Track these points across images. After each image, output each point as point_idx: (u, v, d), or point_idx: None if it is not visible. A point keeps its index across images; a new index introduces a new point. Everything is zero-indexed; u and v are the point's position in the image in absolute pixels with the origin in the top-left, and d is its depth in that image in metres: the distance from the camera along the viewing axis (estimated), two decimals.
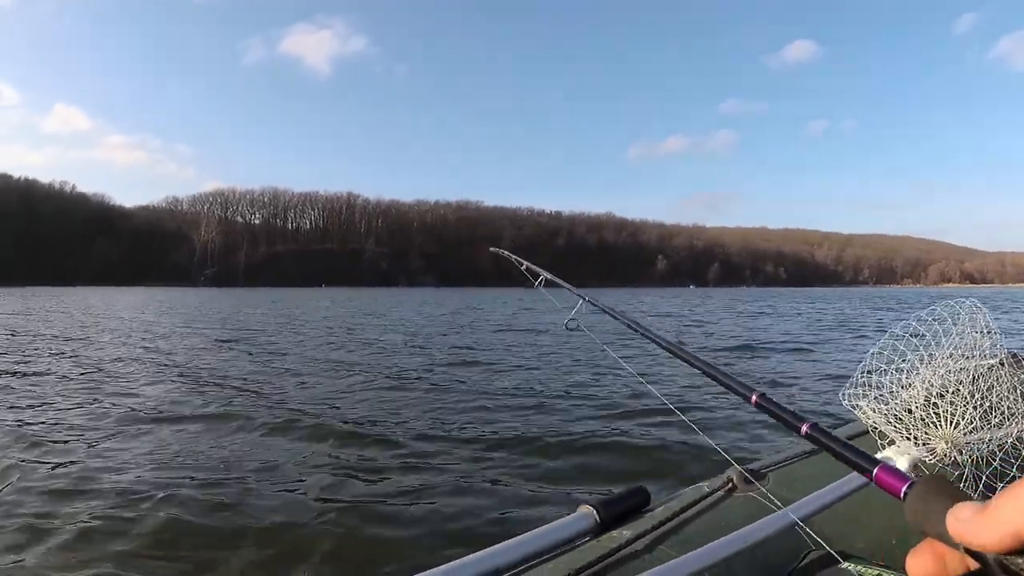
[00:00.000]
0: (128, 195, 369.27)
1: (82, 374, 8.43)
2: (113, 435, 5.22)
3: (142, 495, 3.68)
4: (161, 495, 3.66)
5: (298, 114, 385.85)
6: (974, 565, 0.38)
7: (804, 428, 0.74)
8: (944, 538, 0.40)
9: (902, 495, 0.49)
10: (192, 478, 4.07)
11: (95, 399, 6.72)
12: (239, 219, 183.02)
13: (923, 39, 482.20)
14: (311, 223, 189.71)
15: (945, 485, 0.43)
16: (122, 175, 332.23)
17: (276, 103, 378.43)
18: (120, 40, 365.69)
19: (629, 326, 1.46)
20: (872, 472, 0.57)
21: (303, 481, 4.07)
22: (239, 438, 5.18)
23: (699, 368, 1.05)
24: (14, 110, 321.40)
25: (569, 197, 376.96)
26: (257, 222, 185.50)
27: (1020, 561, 0.35)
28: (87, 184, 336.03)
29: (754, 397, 0.85)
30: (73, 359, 10.04)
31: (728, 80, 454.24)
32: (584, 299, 1.79)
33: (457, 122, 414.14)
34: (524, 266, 2.39)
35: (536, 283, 2.24)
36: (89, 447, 4.84)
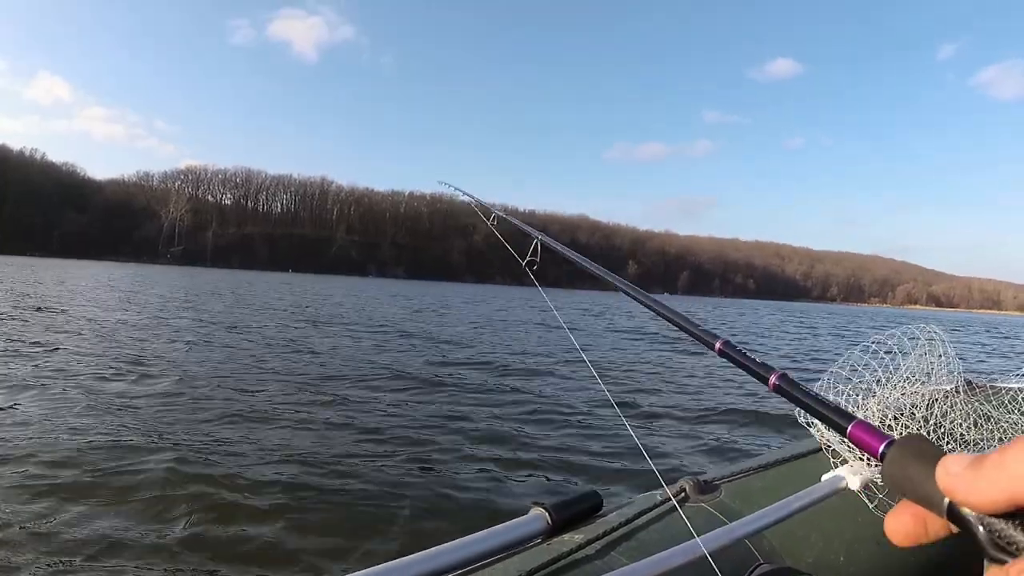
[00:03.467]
0: (104, 169, 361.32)
1: None
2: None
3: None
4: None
5: (280, 97, 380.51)
6: (956, 529, 0.36)
7: (772, 379, 0.68)
8: (926, 499, 0.37)
9: (879, 454, 0.46)
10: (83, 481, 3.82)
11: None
12: (210, 198, 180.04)
13: (905, 65, 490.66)
14: (282, 206, 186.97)
15: (927, 443, 0.40)
16: (99, 148, 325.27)
17: (259, 85, 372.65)
18: (108, 12, 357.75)
19: (583, 266, 1.42)
20: (847, 428, 0.53)
21: (245, 478, 3.94)
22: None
23: (659, 313, 1.02)
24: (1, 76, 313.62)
25: (543, 196, 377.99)
26: (228, 202, 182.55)
27: (1005, 528, 0.33)
28: (63, 154, 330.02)
29: (718, 344, 0.80)
30: None
31: (709, 91, 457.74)
32: (539, 237, 1.71)
33: (436, 117, 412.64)
34: (474, 201, 2.31)
35: (488, 221, 2.13)
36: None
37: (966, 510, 0.35)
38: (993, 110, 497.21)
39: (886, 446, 0.46)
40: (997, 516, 0.33)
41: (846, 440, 0.74)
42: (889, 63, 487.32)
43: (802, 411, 0.98)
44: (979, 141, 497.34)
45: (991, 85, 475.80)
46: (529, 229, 1.79)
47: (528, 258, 1.70)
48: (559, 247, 1.60)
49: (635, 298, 1.11)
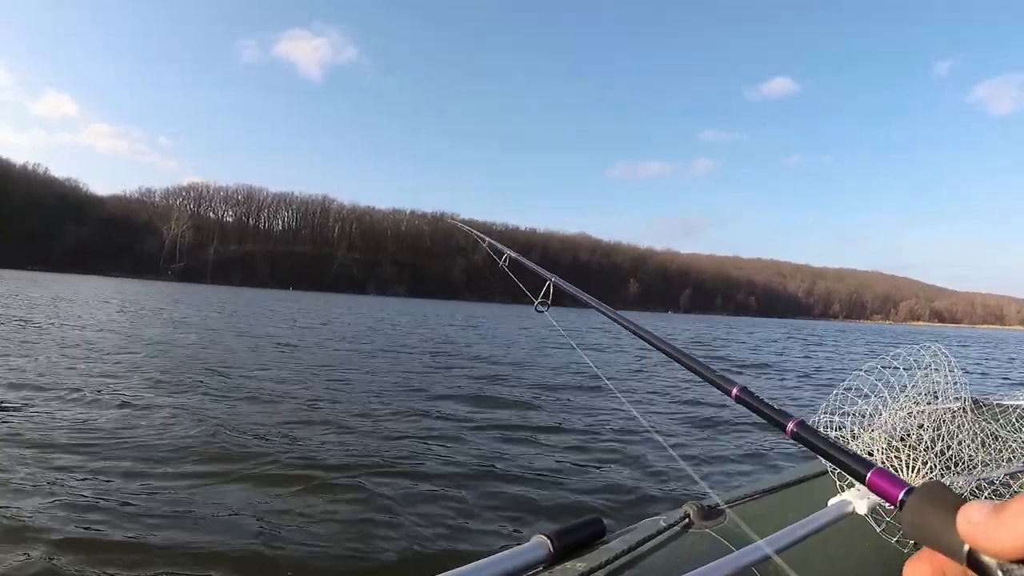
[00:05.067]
0: (107, 183, 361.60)
1: None
2: None
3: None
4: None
5: (284, 116, 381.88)
6: None
7: (790, 426, 0.68)
8: (946, 548, 0.38)
9: (899, 501, 0.46)
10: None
11: None
12: (211, 215, 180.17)
13: (901, 82, 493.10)
14: (283, 224, 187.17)
15: (948, 491, 0.41)
16: (102, 163, 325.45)
17: (264, 104, 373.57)
18: (118, 31, 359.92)
19: (598, 310, 1.40)
20: (866, 475, 0.53)
21: (251, 503, 3.97)
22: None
23: (676, 359, 1.01)
24: (5, 91, 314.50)
25: (544, 214, 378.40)
26: (229, 219, 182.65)
27: None
28: (67, 169, 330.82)
29: (735, 391, 0.81)
30: None
31: (708, 110, 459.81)
32: (552, 279, 1.69)
33: (438, 136, 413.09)
34: (487, 243, 2.27)
35: (500, 261, 2.11)
36: None
37: (986, 557, 0.35)
38: (991, 124, 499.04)
39: (906, 493, 0.46)
40: (1017, 563, 0.33)
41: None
42: (885, 80, 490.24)
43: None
44: (977, 156, 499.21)
45: (988, 100, 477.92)
46: (542, 272, 1.77)
47: (540, 299, 1.68)
48: (573, 289, 1.59)
49: (655, 346, 1.11)
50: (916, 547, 0.42)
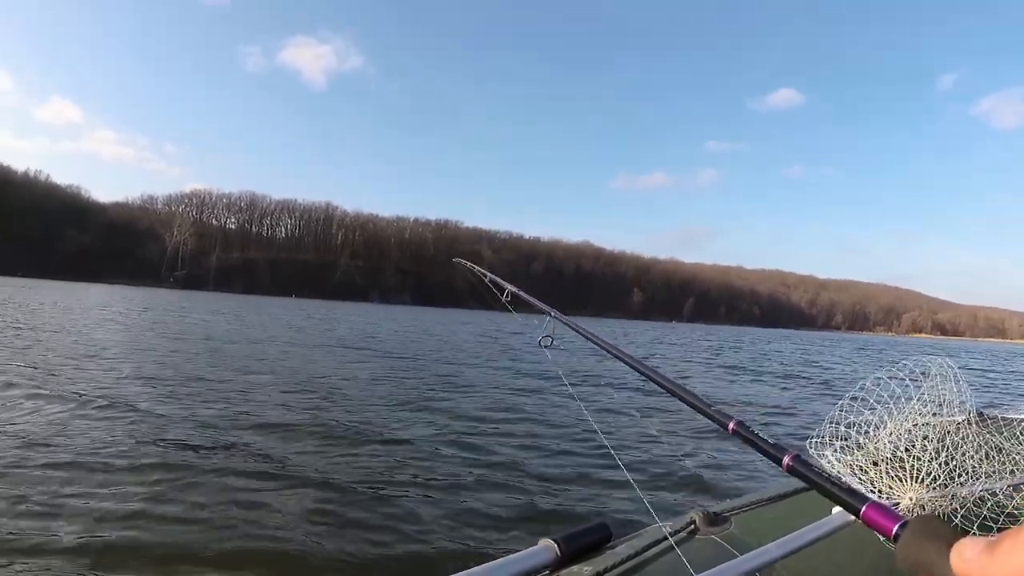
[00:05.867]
0: (111, 191, 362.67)
1: None
2: None
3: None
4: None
5: (288, 123, 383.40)
6: None
7: (786, 460, 0.69)
8: None
9: (893, 534, 0.47)
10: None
11: None
12: (214, 222, 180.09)
13: (906, 94, 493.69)
14: (286, 231, 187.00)
15: (941, 525, 0.42)
16: (107, 170, 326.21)
17: (268, 111, 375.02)
18: (123, 38, 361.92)
19: (600, 346, 1.42)
20: (861, 509, 0.54)
21: (259, 507, 4.00)
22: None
23: (673, 392, 1.02)
24: (8, 96, 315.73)
25: (548, 223, 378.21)
26: (232, 226, 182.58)
27: None
28: (71, 176, 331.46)
29: (731, 425, 0.82)
30: None
31: (712, 120, 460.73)
32: (551, 314, 1.71)
33: (442, 144, 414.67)
34: (488, 279, 2.30)
35: (502, 297, 2.13)
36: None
37: None
38: (996, 137, 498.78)
39: (900, 527, 0.47)
40: None
41: (857, 474, 0.82)
42: (890, 93, 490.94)
43: (814, 442, 1.14)
44: (981, 170, 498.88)
45: (992, 114, 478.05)
46: (543, 307, 1.78)
47: (543, 335, 1.69)
48: (574, 326, 1.61)
49: (653, 379, 1.13)
50: None
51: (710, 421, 0.86)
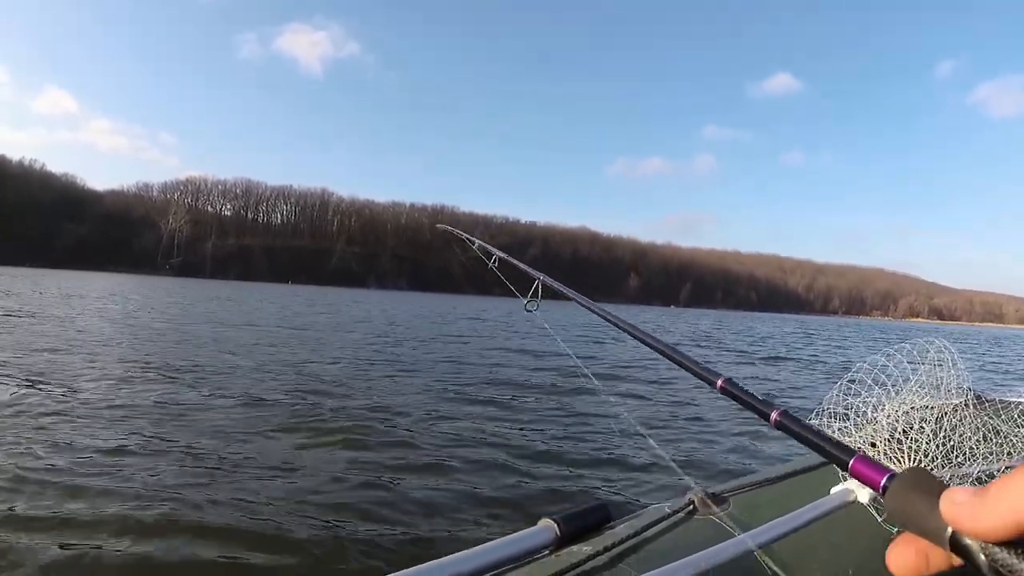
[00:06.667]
0: (108, 180, 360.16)
1: None
2: None
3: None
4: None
5: (284, 111, 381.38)
6: (958, 562, 0.37)
7: (774, 415, 0.70)
8: (929, 532, 0.38)
9: (880, 487, 0.47)
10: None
11: None
12: (209, 208, 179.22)
13: (904, 81, 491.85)
14: (282, 218, 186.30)
15: (930, 477, 0.41)
16: (103, 159, 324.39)
17: (264, 98, 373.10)
18: (116, 27, 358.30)
19: (586, 307, 1.42)
20: (848, 462, 0.54)
21: (263, 490, 4.01)
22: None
23: (661, 352, 1.03)
24: (4, 88, 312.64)
25: (545, 208, 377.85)
26: (228, 213, 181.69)
27: (1007, 557, 0.34)
28: (67, 166, 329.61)
29: (719, 382, 0.82)
30: None
31: (709, 106, 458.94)
32: (540, 278, 1.70)
33: (438, 130, 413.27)
34: (476, 245, 2.29)
35: (489, 263, 2.13)
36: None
37: (969, 540, 0.35)
38: (993, 125, 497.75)
39: (888, 479, 0.46)
40: (1000, 544, 0.34)
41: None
42: (888, 79, 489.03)
43: (811, 423, 1.04)
44: (978, 156, 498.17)
45: (989, 101, 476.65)
46: (531, 271, 1.78)
47: (528, 298, 1.70)
48: (561, 287, 1.59)
49: (640, 339, 1.15)
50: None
51: (701, 382, 0.88)
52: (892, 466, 0.92)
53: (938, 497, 0.38)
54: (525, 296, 1.71)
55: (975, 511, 0.35)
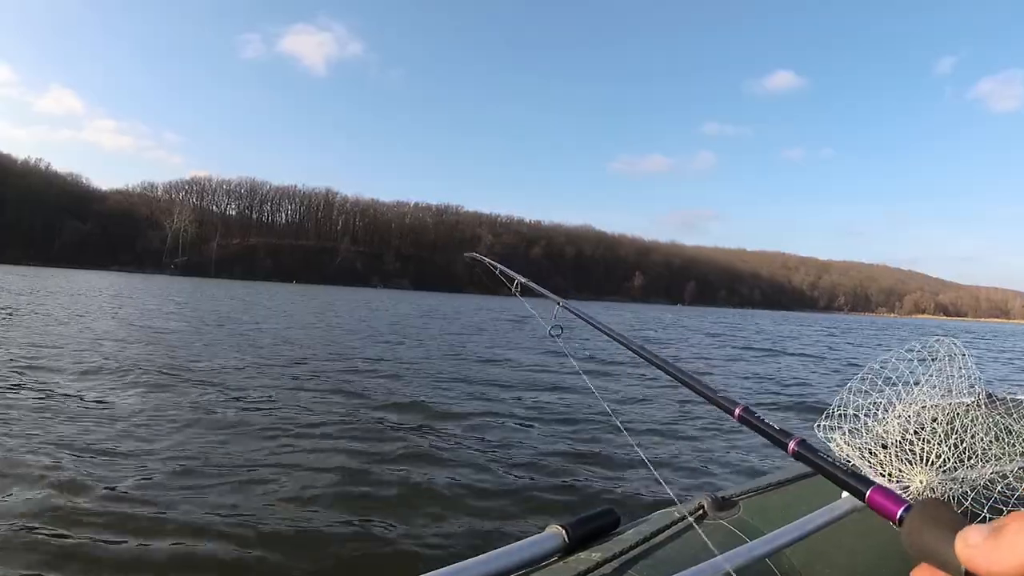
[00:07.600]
0: (112, 179, 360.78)
1: None
2: None
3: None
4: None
5: (289, 110, 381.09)
6: None
7: (792, 445, 0.69)
8: (946, 565, 0.38)
9: (897, 518, 0.47)
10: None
11: None
12: (214, 208, 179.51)
13: (904, 77, 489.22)
14: (287, 217, 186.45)
15: (946, 510, 0.42)
16: (107, 158, 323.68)
17: (269, 98, 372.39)
18: (121, 27, 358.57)
19: (606, 334, 1.43)
20: (866, 493, 0.54)
21: (269, 492, 4.02)
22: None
23: (678, 379, 1.03)
24: (9, 87, 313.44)
25: (548, 207, 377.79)
26: (233, 213, 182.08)
27: None
28: (72, 165, 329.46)
29: (737, 411, 0.81)
30: None
31: (710, 103, 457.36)
32: (559, 303, 1.74)
33: (443, 129, 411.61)
34: (499, 270, 2.39)
35: (512, 288, 2.21)
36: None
37: None
38: (995, 120, 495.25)
39: (904, 511, 0.47)
40: None
41: (866, 457, 0.82)
42: (888, 75, 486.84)
43: (822, 425, 1.13)
44: (980, 151, 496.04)
45: (991, 96, 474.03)
46: (551, 296, 1.83)
47: (553, 323, 1.73)
48: (581, 314, 1.63)
49: (659, 367, 1.15)
50: None
51: (716, 408, 0.86)
52: (904, 468, 0.98)
53: (954, 533, 0.38)
54: (547, 318, 1.74)
55: (990, 556, 0.35)
